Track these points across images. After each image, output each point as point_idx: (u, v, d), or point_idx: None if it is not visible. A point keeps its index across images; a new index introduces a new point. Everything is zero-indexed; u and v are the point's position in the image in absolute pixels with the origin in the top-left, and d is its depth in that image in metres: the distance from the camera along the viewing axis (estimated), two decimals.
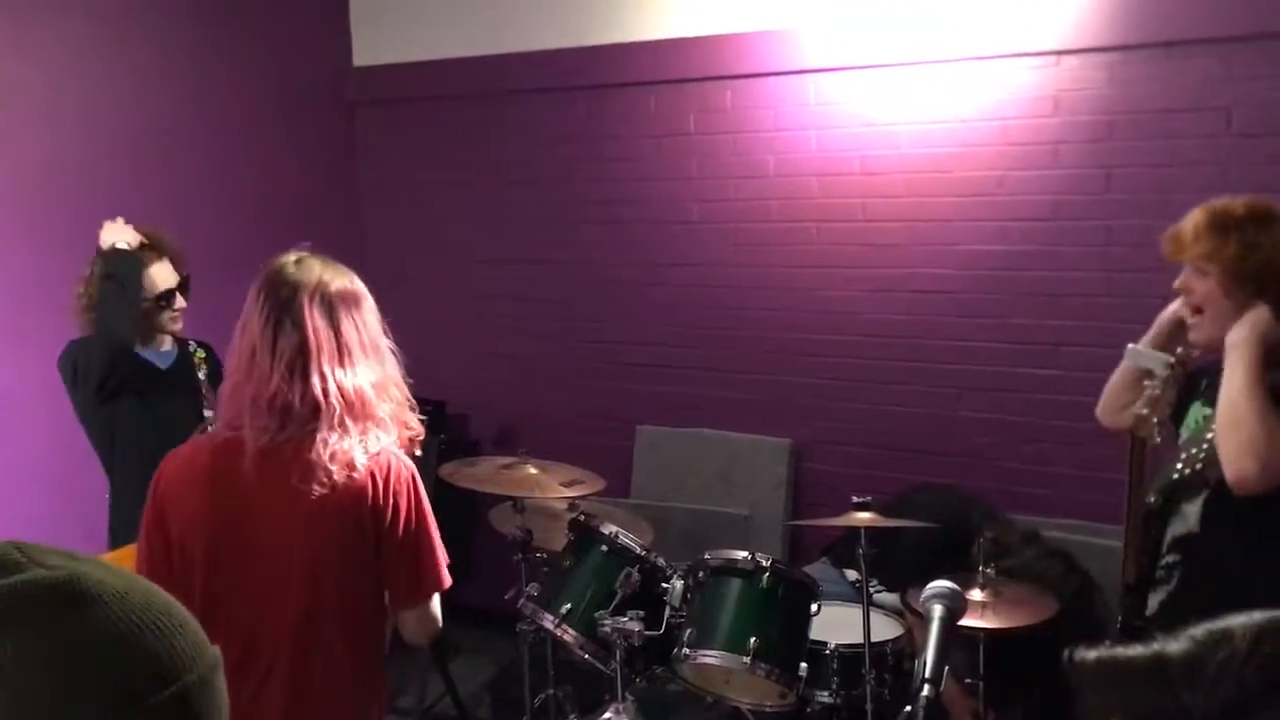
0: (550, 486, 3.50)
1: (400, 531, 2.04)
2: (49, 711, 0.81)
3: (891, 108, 3.90)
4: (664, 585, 3.08)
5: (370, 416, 2.02)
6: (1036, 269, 3.74)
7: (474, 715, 3.98)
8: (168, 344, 3.19)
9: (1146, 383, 2.24)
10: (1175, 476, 2.23)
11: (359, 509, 2.01)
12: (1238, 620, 0.74)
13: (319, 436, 1.97)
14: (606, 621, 2.95)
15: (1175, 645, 0.74)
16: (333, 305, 2.01)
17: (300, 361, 1.98)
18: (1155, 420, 2.20)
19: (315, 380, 1.97)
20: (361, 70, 4.97)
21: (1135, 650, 0.75)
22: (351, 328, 2.02)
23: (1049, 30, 3.61)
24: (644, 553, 3.13)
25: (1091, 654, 0.78)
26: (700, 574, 3.04)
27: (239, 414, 2.00)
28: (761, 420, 4.24)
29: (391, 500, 2.02)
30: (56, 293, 3.81)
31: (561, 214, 4.64)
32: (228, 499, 2.01)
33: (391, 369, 2.11)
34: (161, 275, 3.09)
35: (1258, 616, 0.74)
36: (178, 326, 3.14)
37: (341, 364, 2.00)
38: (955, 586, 1.64)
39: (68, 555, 0.88)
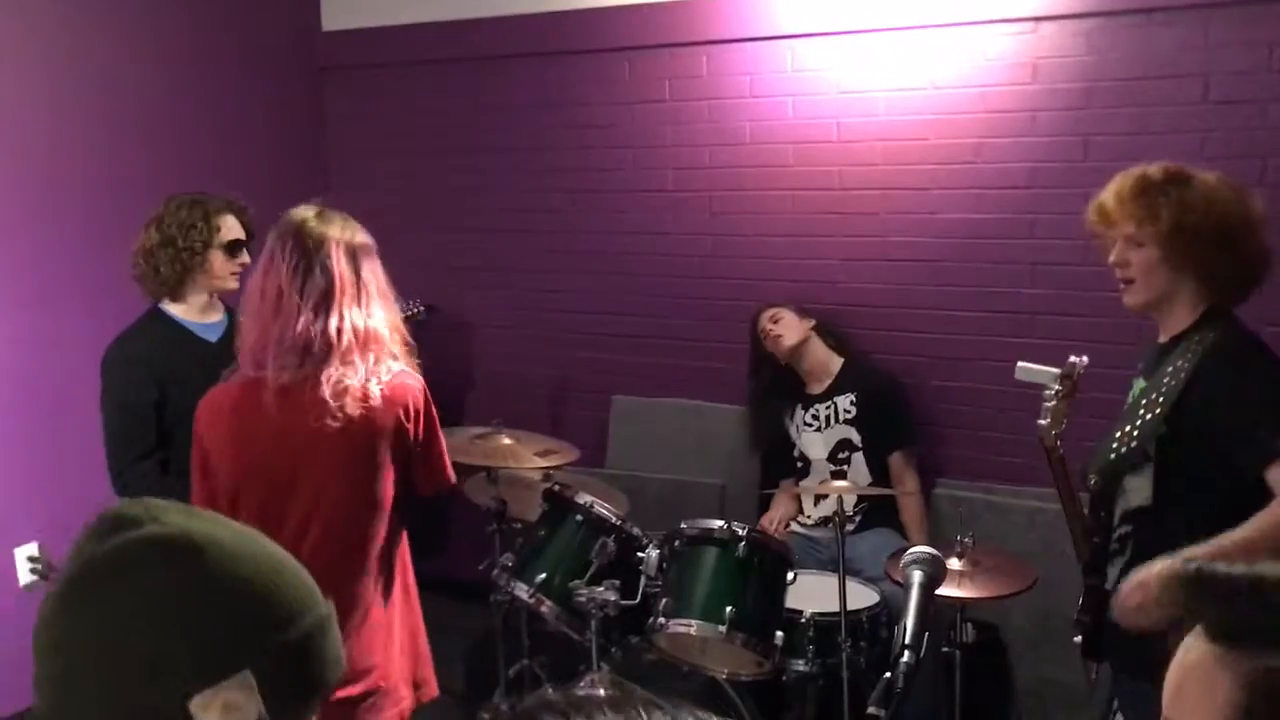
0: (525, 457, 3.48)
1: (416, 442, 2.32)
2: (170, 656, 0.85)
3: (868, 74, 3.87)
4: (639, 555, 3.06)
5: (383, 350, 2.24)
6: (1013, 237, 3.73)
7: (448, 686, 3.95)
8: (219, 313, 3.08)
9: (1045, 394, 2.31)
10: (1112, 456, 2.22)
11: (378, 436, 2.23)
12: None
13: (325, 373, 2.15)
14: (582, 591, 2.94)
15: (1274, 568, 0.78)
16: (355, 254, 2.22)
17: (325, 304, 2.16)
18: (1054, 432, 2.28)
19: (334, 320, 2.16)
20: (330, 35, 4.88)
21: (1236, 566, 0.79)
22: (370, 275, 2.24)
23: None
24: (619, 522, 3.11)
25: (1191, 565, 0.82)
26: (676, 543, 3.02)
27: (264, 352, 2.17)
28: (737, 390, 4.21)
29: (410, 420, 2.29)
30: (19, 264, 3.74)
31: (534, 182, 4.58)
32: (252, 435, 2.18)
33: (395, 314, 2.34)
34: (231, 225, 3.03)
35: None
36: (233, 285, 3.02)
37: (360, 305, 2.20)
38: (935, 552, 1.62)
39: (187, 512, 0.94)
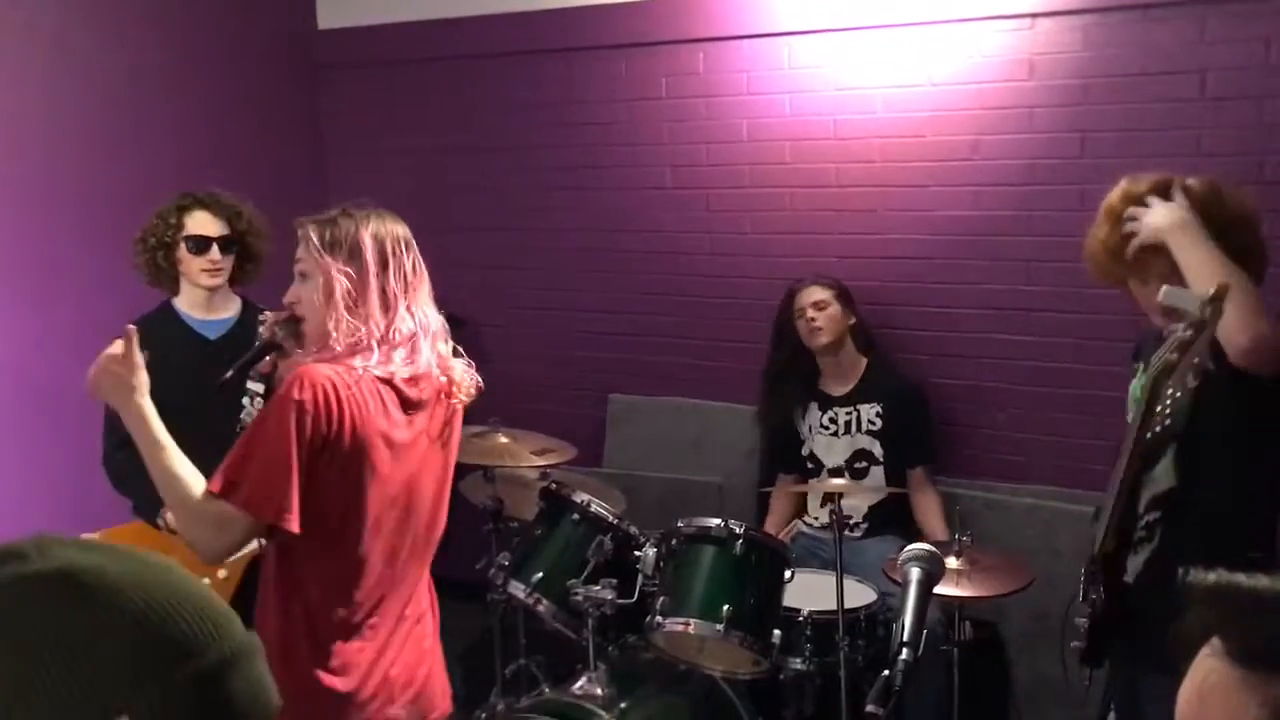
0: (521, 455, 3.47)
1: None
2: (30, 706, 0.78)
3: (865, 71, 3.86)
4: (636, 554, 3.05)
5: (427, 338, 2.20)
6: (1010, 234, 3.72)
7: None
8: (228, 310, 3.04)
9: (1173, 326, 2.02)
10: (1148, 436, 2.20)
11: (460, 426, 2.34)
12: None
13: (444, 361, 2.17)
14: (579, 590, 2.93)
15: None
16: (416, 253, 2.21)
17: (414, 297, 2.14)
18: (1192, 363, 1.95)
19: (429, 311, 2.17)
20: (326, 33, 4.87)
21: (1261, 581, 0.76)
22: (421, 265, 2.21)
23: None
24: (616, 521, 3.10)
25: (1210, 576, 0.78)
26: (673, 542, 3.01)
27: (388, 348, 2.08)
28: (734, 388, 4.20)
29: None
30: (14, 262, 3.73)
31: (531, 180, 4.57)
32: (398, 433, 2.11)
33: None
34: (199, 221, 2.96)
35: None
36: (208, 282, 2.97)
37: (420, 293, 2.19)
38: (933, 549, 1.61)
39: (81, 547, 0.86)
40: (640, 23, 4.20)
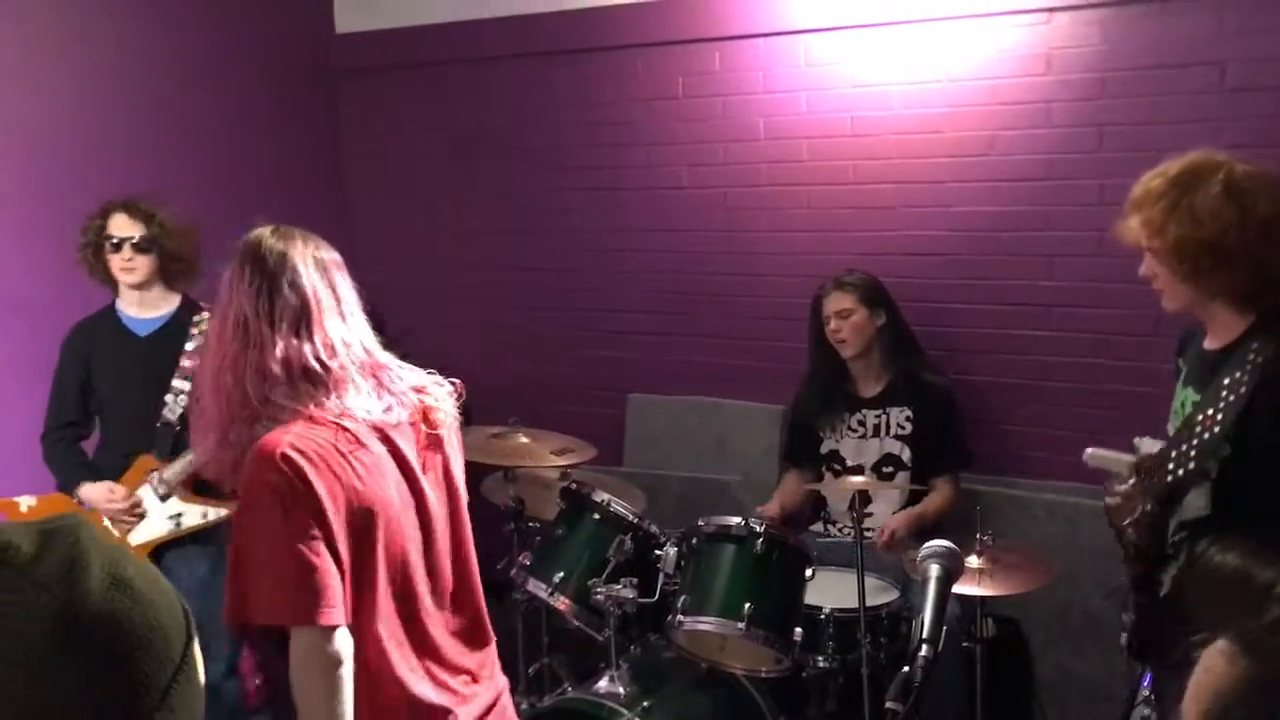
0: (542, 455, 3.49)
1: None
2: None
3: (882, 68, 3.85)
4: (657, 552, 3.07)
5: (383, 367, 1.95)
6: (1029, 229, 3.71)
7: None
8: (164, 308, 3.25)
9: (1116, 482, 2.18)
10: (1170, 479, 2.06)
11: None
12: None
13: (345, 401, 1.84)
14: (600, 589, 2.95)
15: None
16: (325, 267, 1.92)
17: (304, 323, 1.85)
18: (1127, 520, 2.13)
19: (319, 339, 1.86)
20: (343, 37, 4.90)
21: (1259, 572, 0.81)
22: (346, 288, 1.94)
23: None
24: (636, 520, 3.11)
25: (1216, 557, 0.83)
26: (694, 541, 3.02)
27: (265, 393, 1.81)
28: (753, 386, 4.21)
29: None
30: (37, 255, 3.77)
31: (548, 181, 4.58)
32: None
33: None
34: (118, 223, 3.17)
35: None
36: (128, 279, 3.18)
37: (345, 321, 1.91)
38: (953, 546, 1.61)
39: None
40: (655, 23, 4.20)
